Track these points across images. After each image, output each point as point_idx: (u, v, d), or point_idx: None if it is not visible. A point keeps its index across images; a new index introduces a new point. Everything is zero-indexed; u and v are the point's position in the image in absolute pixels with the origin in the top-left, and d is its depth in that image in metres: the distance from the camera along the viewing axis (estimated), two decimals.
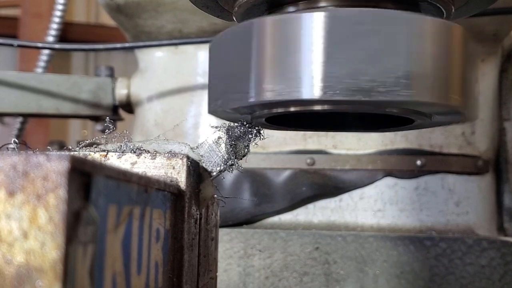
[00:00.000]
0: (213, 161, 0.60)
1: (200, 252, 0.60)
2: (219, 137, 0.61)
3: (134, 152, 0.55)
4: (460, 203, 1.22)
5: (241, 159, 0.62)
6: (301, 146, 1.24)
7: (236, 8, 0.62)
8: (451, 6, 0.60)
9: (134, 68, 1.45)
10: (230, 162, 0.60)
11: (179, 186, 0.54)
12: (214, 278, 0.68)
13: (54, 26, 1.68)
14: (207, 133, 0.62)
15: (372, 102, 0.52)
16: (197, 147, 0.61)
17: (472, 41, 0.56)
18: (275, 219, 1.22)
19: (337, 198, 1.22)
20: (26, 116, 1.65)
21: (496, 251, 1.10)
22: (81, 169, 0.33)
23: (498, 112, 1.30)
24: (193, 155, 0.58)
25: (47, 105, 1.41)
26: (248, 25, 0.55)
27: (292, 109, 0.56)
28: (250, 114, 0.59)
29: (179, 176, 0.54)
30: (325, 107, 0.55)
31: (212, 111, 0.60)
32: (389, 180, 1.21)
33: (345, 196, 1.22)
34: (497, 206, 1.28)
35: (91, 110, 1.44)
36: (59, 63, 3.87)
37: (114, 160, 0.54)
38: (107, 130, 0.60)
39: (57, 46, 1.48)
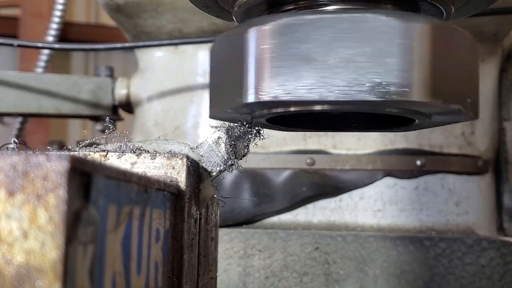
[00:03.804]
0: (213, 161, 0.60)
1: (200, 252, 0.60)
2: (219, 137, 0.61)
3: (134, 152, 0.55)
4: (460, 203, 1.22)
5: (241, 159, 0.62)
6: (301, 146, 1.24)
7: (236, 8, 0.62)
8: (451, 6, 0.60)
9: (134, 68, 1.45)
10: (230, 162, 0.60)
11: (179, 186, 0.54)
12: (214, 278, 0.68)
13: (54, 26, 1.68)
14: (207, 133, 0.62)
15: (372, 102, 0.52)
16: (197, 147, 0.61)
17: (473, 40, 0.56)
18: (275, 219, 1.22)
19: (337, 198, 1.22)
20: (26, 116, 1.65)
21: (496, 251, 1.10)
22: (81, 169, 0.33)
23: (498, 112, 1.30)
24: (193, 155, 0.58)
25: (47, 105, 1.41)
26: (248, 28, 0.55)
27: (292, 109, 0.56)
28: (250, 114, 0.60)
29: (179, 176, 0.54)
30: (325, 107, 0.55)
31: (213, 115, 0.60)
32: (389, 180, 1.21)
33: (345, 196, 1.22)
34: (497, 206, 1.28)
35: (91, 110, 1.44)
36: (59, 63, 3.87)
37: (114, 160, 0.54)
38: (107, 130, 0.60)
39: (57, 46, 1.48)
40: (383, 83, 0.51)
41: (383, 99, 0.51)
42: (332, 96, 0.51)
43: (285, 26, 0.53)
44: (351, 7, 0.57)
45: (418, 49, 0.52)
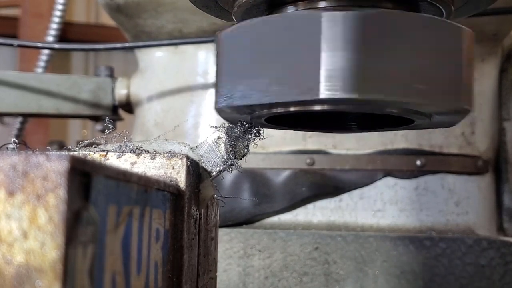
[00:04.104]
0: (212, 161, 0.60)
1: (200, 252, 0.60)
2: (219, 137, 0.61)
3: (134, 152, 0.55)
4: (460, 203, 1.22)
5: (240, 159, 0.62)
6: (301, 146, 1.24)
7: (236, 8, 0.62)
8: (451, 6, 0.60)
9: (134, 68, 1.45)
10: (229, 162, 0.60)
11: (179, 186, 0.54)
12: (214, 278, 0.68)
13: (54, 26, 1.68)
14: (206, 133, 0.62)
15: (372, 102, 0.52)
16: (196, 147, 0.61)
17: (473, 40, 0.56)
18: (275, 219, 1.22)
19: (336, 198, 1.22)
20: (26, 116, 1.65)
21: (496, 251, 1.10)
22: (81, 169, 0.33)
23: (498, 112, 1.30)
24: (192, 155, 0.58)
25: (47, 105, 1.41)
26: (249, 26, 0.55)
27: (292, 109, 0.56)
28: (249, 114, 0.59)
29: (179, 176, 0.54)
30: (325, 107, 0.55)
31: (217, 108, 0.59)
32: (389, 180, 1.21)
33: (344, 196, 1.22)
34: (497, 206, 1.28)
35: (91, 110, 1.44)
36: (59, 63, 3.87)
37: (114, 160, 0.54)
38: (106, 130, 0.60)
39: (57, 46, 1.48)
40: (380, 82, 0.51)
41: (383, 99, 0.51)
42: (331, 96, 0.51)
43: (285, 22, 0.53)
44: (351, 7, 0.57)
45: (416, 47, 0.53)
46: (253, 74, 0.54)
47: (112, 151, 0.55)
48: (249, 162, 0.66)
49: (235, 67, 0.57)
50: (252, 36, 0.55)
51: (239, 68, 0.56)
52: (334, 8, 0.56)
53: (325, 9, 0.56)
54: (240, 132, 0.61)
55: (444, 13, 0.60)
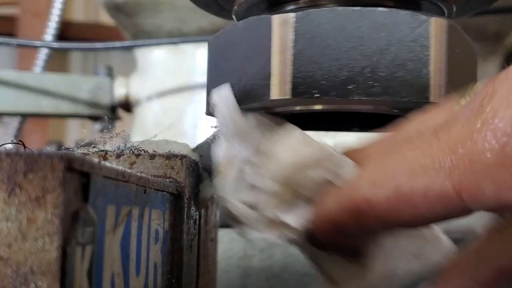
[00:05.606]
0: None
1: (200, 253, 0.60)
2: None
3: (133, 152, 0.55)
4: None
5: None
6: None
7: (236, 7, 0.62)
8: (452, 5, 0.59)
9: (133, 68, 1.44)
10: None
11: (178, 187, 0.53)
12: (214, 279, 0.67)
13: (53, 25, 1.68)
14: (206, 133, 0.62)
15: (373, 102, 0.52)
16: (196, 147, 0.60)
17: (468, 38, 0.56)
18: None
19: None
20: (25, 115, 1.65)
21: None
22: (79, 169, 0.33)
23: None
24: (192, 155, 0.58)
25: (46, 105, 1.41)
26: (244, 25, 0.54)
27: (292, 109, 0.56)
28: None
29: (178, 176, 0.53)
30: (326, 106, 0.54)
31: (209, 113, 0.59)
32: None
33: None
34: None
35: (89, 109, 1.44)
36: (57, 62, 3.87)
37: (113, 160, 0.54)
38: (105, 130, 0.60)
39: (55, 45, 1.48)
40: (379, 82, 0.51)
41: (383, 99, 0.51)
42: (331, 95, 0.51)
43: (281, 21, 0.52)
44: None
45: (416, 47, 0.52)
46: (217, 82, 0.55)
47: (111, 151, 0.55)
48: None
49: (212, 75, 0.58)
50: (221, 43, 0.57)
51: (212, 76, 0.57)
52: (330, 6, 0.55)
53: (317, 6, 0.55)
54: None
55: (446, 12, 0.60)
